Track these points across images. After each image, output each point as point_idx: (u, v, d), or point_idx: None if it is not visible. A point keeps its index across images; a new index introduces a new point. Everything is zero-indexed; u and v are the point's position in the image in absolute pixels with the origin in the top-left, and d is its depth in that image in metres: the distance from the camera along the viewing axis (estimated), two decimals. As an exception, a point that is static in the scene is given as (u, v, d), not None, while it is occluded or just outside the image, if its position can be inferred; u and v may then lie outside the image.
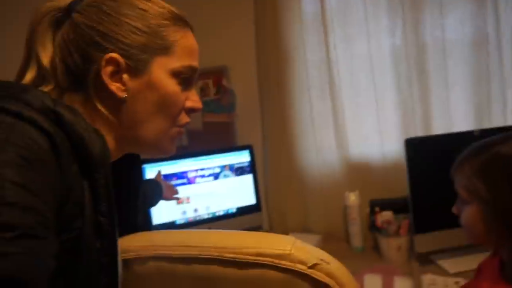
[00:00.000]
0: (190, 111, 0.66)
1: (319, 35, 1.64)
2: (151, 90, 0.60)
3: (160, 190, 1.31)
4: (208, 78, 1.87)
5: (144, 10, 0.60)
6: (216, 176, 1.75)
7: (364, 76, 1.62)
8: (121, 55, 0.58)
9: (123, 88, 0.59)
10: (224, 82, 1.84)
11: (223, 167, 1.76)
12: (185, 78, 0.63)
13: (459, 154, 1.00)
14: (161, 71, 0.60)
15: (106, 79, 0.58)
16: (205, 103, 1.89)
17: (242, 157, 1.79)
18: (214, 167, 1.75)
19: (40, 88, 0.56)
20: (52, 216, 0.46)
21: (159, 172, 1.54)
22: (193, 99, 0.66)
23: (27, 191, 0.43)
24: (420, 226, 1.37)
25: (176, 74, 0.61)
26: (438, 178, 1.28)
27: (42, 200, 0.45)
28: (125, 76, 0.59)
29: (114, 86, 0.58)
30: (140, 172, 0.80)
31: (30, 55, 0.60)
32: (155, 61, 0.60)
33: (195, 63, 0.64)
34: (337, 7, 1.61)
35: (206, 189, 1.73)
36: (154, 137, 0.62)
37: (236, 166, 1.78)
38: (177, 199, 1.52)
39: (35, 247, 0.42)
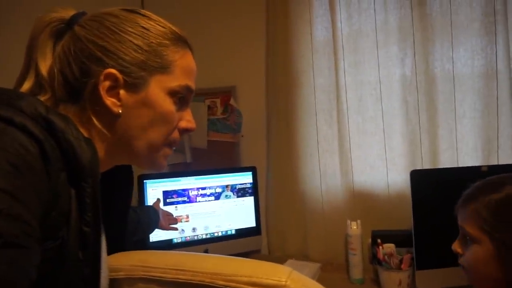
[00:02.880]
0: (183, 131, 0.67)
1: (329, 60, 1.64)
2: (147, 107, 0.60)
3: (157, 218, 1.28)
4: (216, 97, 1.88)
5: (146, 29, 0.61)
6: (217, 196, 1.73)
7: (372, 103, 1.61)
8: (120, 71, 0.59)
9: (119, 103, 0.59)
10: (232, 102, 1.84)
11: (225, 188, 1.74)
12: (181, 97, 0.63)
13: (464, 190, 0.97)
14: (158, 90, 0.61)
15: (103, 93, 0.58)
16: (211, 122, 1.89)
17: (245, 179, 1.77)
18: (216, 187, 1.73)
19: (36, 97, 0.57)
20: (37, 224, 0.46)
21: (158, 199, 1.52)
22: (187, 119, 0.66)
23: (14, 198, 0.43)
24: (422, 262, 1.32)
25: (172, 93, 0.62)
26: (443, 213, 1.25)
27: (28, 208, 0.44)
28: (122, 92, 0.59)
29: (109, 101, 0.59)
30: (131, 189, 0.78)
31: (30, 64, 0.60)
32: (153, 79, 0.60)
33: (192, 83, 0.65)
34: (349, 33, 1.62)
35: (206, 209, 1.71)
36: (145, 152, 0.62)
37: (238, 187, 1.76)
38: (175, 229, 1.49)
39: (18, 257, 0.42)
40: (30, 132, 0.47)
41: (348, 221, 1.58)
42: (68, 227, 0.50)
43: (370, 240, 1.61)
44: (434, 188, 1.30)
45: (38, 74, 0.59)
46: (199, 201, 1.70)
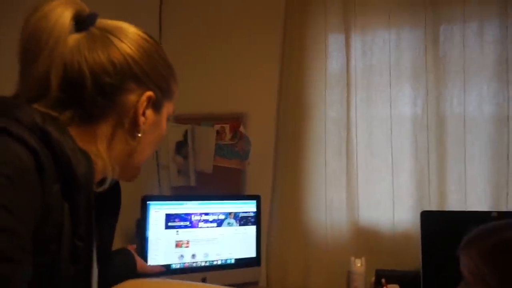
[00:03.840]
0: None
1: (342, 94, 1.66)
2: (157, 127, 0.66)
3: (134, 261, 1.12)
4: (225, 123, 1.88)
5: (165, 60, 0.66)
6: (219, 223, 1.70)
7: (382, 139, 1.62)
8: (154, 93, 0.62)
9: (146, 122, 0.63)
10: (242, 129, 1.85)
11: (228, 215, 1.72)
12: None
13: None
14: (165, 114, 0.67)
15: (140, 112, 0.61)
16: (219, 147, 1.88)
17: (249, 207, 1.75)
18: (219, 213, 1.70)
19: (38, 102, 0.55)
20: (30, 238, 0.45)
21: (134, 245, 1.35)
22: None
23: (7, 212, 0.42)
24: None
25: (167, 118, 0.69)
26: (452, 255, 1.24)
27: (21, 221, 0.44)
28: (148, 111, 0.62)
29: (142, 120, 0.61)
30: (119, 205, 0.75)
31: (28, 60, 0.57)
32: (165, 105, 0.66)
33: None
34: (362, 69, 1.65)
35: (207, 235, 1.67)
36: (138, 165, 0.67)
37: (241, 215, 1.73)
38: (161, 269, 1.36)
39: (9, 272, 0.41)
40: (25, 142, 0.46)
41: (352, 258, 1.55)
42: (60, 240, 0.49)
43: (373, 278, 1.57)
44: (444, 230, 1.29)
45: (35, 72, 0.55)
46: (201, 227, 1.67)
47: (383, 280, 1.48)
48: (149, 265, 1.27)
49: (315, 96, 1.71)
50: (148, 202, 1.60)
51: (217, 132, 1.89)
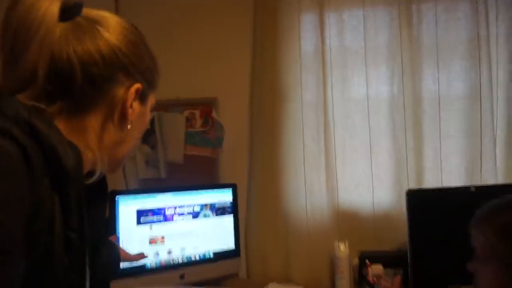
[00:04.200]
0: None
1: (317, 75, 1.62)
2: (142, 119, 0.67)
3: (118, 251, 1.12)
4: (195, 109, 1.76)
5: (150, 51, 0.66)
6: (195, 215, 1.60)
7: (360, 120, 1.60)
8: (142, 85, 0.63)
9: (132, 114, 0.63)
10: (214, 115, 1.74)
11: (203, 206, 1.62)
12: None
13: (477, 209, 0.97)
14: (149, 105, 0.68)
15: (128, 104, 0.61)
16: (189, 135, 1.77)
17: (225, 196, 1.66)
18: (194, 205, 1.60)
19: (23, 93, 0.54)
20: (21, 230, 0.45)
21: (114, 234, 1.36)
22: None
23: None
24: (418, 283, 1.29)
25: (151, 108, 0.70)
26: (439, 232, 1.25)
27: (11, 214, 0.44)
28: (135, 103, 0.63)
29: (131, 112, 0.62)
30: (106, 197, 0.76)
31: (13, 48, 0.56)
32: (149, 96, 0.67)
33: None
34: (337, 49, 1.61)
35: (183, 229, 1.57)
36: (124, 155, 0.67)
37: (217, 205, 1.64)
38: (143, 256, 1.30)
39: (1, 263, 0.42)
40: (13, 136, 0.46)
41: (336, 242, 1.53)
42: (53, 233, 0.49)
43: (357, 260, 1.56)
44: (429, 207, 1.29)
45: (24, 62, 0.54)
46: (176, 220, 1.56)
47: (367, 262, 1.48)
48: (132, 254, 1.22)
49: (290, 79, 1.65)
50: (116, 197, 1.46)
51: (187, 118, 1.77)
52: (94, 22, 0.58)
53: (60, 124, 0.55)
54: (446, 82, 1.52)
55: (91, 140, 0.59)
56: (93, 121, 0.59)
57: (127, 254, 1.21)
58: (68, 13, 0.56)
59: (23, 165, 0.46)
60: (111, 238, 1.26)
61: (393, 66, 1.56)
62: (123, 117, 0.61)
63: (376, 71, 1.58)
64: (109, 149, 0.62)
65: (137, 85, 0.61)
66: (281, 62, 1.66)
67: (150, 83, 0.65)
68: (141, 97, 0.63)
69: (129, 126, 0.62)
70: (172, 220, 1.55)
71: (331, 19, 1.63)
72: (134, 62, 0.61)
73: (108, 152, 0.62)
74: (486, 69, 1.46)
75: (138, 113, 0.64)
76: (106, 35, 0.58)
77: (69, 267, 0.51)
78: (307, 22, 1.65)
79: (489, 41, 1.47)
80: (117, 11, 1.77)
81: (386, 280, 1.44)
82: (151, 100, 0.68)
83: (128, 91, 0.61)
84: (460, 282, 1.28)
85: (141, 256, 1.28)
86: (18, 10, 0.54)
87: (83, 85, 0.56)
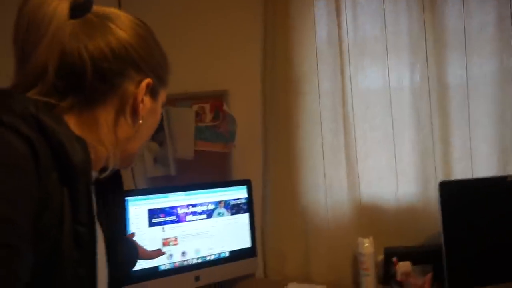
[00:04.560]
0: None
1: (334, 64, 1.52)
2: (153, 115, 0.66)
3: (136, 249, 1.09)
4: (205, 103, 1.67)
5: (160, 48, 0.66)
6: (209, 214, 1.51)
7: (381, 110, 1.50)
8: (152, 81, 0.63)
9: (144, 109, 0.63)
10: (225, 108, 1.65)
11: (217, 204, 1.53)
12: None
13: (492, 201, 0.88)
14: (160, 101, 0.67)
15: (139, 100, 0.61)
16: (199, 130, 1.68)
17: (239, 193, 1.58)
18: (208, 203, 1.52)
19: (33, 90, 0.55)
20: (29, 225, 0.45)
21: (132, 233, 1.29)
22: None
23: (3, 200, 0.43)
24: (456, 281, 1.21)
25: (162, 106, 0.69)
26: (474, 226, 1.17)
27: (18, 209, 0.44)
28: (146, 98, 0.62)
29: (141, 107, 0.61)
30: (123, 189, 0.76)
31: (25, 46, 0.57)
32: (161, 92, 0.67)
33: None
34: (355, 35, 1.51)
35: (197, 229, 1.48)
36: (135, 151, 0.66)
37: (232, 203, 1.56)
38: (162, 253, 1.26)
39: (7, 258, 0.42)
40: (20, 132, 0.47)
41: (360, 239, 1.44)
42: (61, 227, 0.49)
43: (382, 257, 1.48)
44: (463, 200, 1.20)
45: (35, 58, 0.54)
46: (189, 220, 1.48)
47: (394, 259, 1.39)
48: (150, 251, 1.18)
49: (305, 68, 1.56)
50: (126, 198, 1.38)
51: (196, 113, 1.68)
52: (105, 18, 0.59)
53: (72, 119, 0.56)
54: (474, 67, 1.42)
55: (103, 135, 0.59)
56: (105, 116, 0.59)
57: (145, 251, 1.16)
58: (78, 10, 0.57)
59: (30, 160, 0.46)
60: (129, 235, 1.23)
61: (416, 51, 1.46)
62: (135, 112, 0.61)
63: (397, 57, 1.49)
64: (121, 144, 0.62)
65: (148, 80, 0.61)
66: (295, 51, 1.56)
67: (160, 79, 0.65)
68: (152, 92, 0.64)
69: (140, 121, 0.62)
70: (185, 220, 1.47)
71: (347, 2, 1.53)
72: (145, 57, 0.61)
73: (120, 147, 0.62)
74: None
75: (150, 109, 0.64)
76: (117, 30, 0.59)
77: (78, 261, 0.51)
78: (322, 7, 1.55)
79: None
80: (119, 3, 1.67)
81: (415, 277, 1.36)
82: (162, 97, 0.68)
83: (139, 86, 0.61)
84: (499, 279, 1.20)
85: (159, 252, 1.23)
86: (29, 6, 0.55)
87: (93, 80, 0.56)
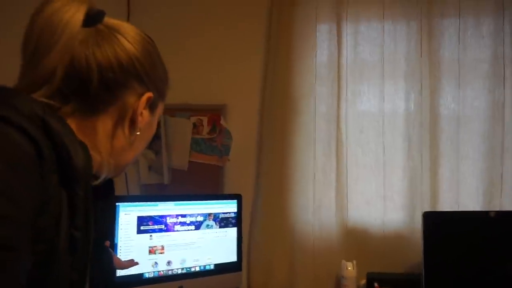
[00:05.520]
0: None
1: (332, 87, 1.56)
2: (150, 128, 0.67)
3: (110, 257, 1.08)
4: (203, 115, 1.71)
5: (162, 63, 0.67)
6: (198, 226, 1.53)
7: (374, 136, 1.53)
8: (153, 94, 0.63)
9: (142, 122, 0.63)
10: (222, 122, 1.68)
11: (207, 216, 1.55)
12: None
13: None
14: (157, 115, 0.68)
15: (139, 112, 0.62)
16: (195, 142, 1.71)
17: (229, 207, 1.60)
18: (197, 215, 1.54)
19: (38, 92, 0.56)
20: (29, 226, 0.45)
21: (107, 241, 1.29)
22: None
23: (6, 198, 0.43)
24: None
25: (159, 118, 0.71)
26: (455, 257, 1.19)
27: (20, 209, 0.44)
28: (145, 111, 0.63)
29: (141, 120, 0.62)
30: (113, 199, 0.79)
31: (35, 49, 0.58)
32: (159, 105, 0.67)
33: None
34: (354, 61, 1.55)
35: (184, 239, 1.50)
36: (127, 162, 0.67)
37: (221, 216, 1.58)
38: (135, 263, 1.24)
39: (7, 260, 0.42)
40: (26, 132, 0.47)
41: (343, 262, 1.46)
42: (58, 230, 0.49)
43: (363, 282, 1.49)
44: (446, 231, 1.23)
45: (46, 63, 0.56)
46: (177, 230, 1.50)
47: (376, 285, 1.41)
48: (124, 260, 1.18)
49: (303, 89, 1.59)
50: (117, 204, 1.40)
51: (194, 124, 1.71)
52: (114, 30, 0.60)
53: (72, 124, 0.56)
54: (467, 101, 1.46)
55: (99, 143, 0.60)
56: (104, 125, 0.60)
57: (118, 260, 1.16)
58: (91, 20, 0.59)
59: (35, 161, 0.47)
60: (105, 243, 1.19)
61: (412, 81, 1.49)
62: (133, 124, 0.62)
63: (393, 85, 1.52)
64: (116, 154, 0.63)
65: (149, 94, 0.62)
66: (294, 71, 1.60)
67: (161, 92, 0.66)
68: (151, 106, 0.64)
69: (138, 133, 0.63)
70: (173, 230, 1.49)
71: (349, 29, 1.57)
72: (148, 71, 0.62)
73: (114, 157, 0.63)
74: (509, 88, 1.40)
75: (147, 122, 0.65)
76: (125, 43, 0.60)
77: (72, 266, 0.51)
78: (324, 32, 1.59)
79: (514, 61, 1.41)
80: (128, 14, 1.72)
81: (395, 305, 1.37)
82: (160, 110, 0.68)
83: (139, 99, 0.62)
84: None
85: (132, 263, 1.21)
86: (46, 12, 0.57)
87: (97, 88, 0.58)
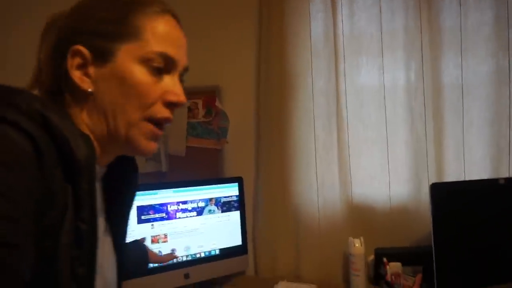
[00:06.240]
0: (169, 104, 0.61)
1: (329, 61, 1.50)
2: (116, 79, 0.57)
3: (146, 253, 1.08)
4: (197, 98, 1.65)
5: (117, 0, 0.59)
6: (200, 212, 1.50)
7: (375, 109, 1.48)
8: (87, 46, 0.57)
9: (89, 80, 0.57)
10: (218, 104, 1.63)
11: (208, 201, 1.52)
12: (158, 67, 0.59)
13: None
14: (128, 59, 0.57)
15: (71, 71, 0.57)
16: (191, 126, 1.66)
17: (231, 191, 1.56)
18: (198, 201, 1.50)
19: (35, 91, 0.58)
20: (31, 223, 0.45)
21: (143, 238, 1.31)
22: (173, 91, 0.60)
23: (5, 199, 0.43)
24: (444, 282, 1.20)
25: (144, 62, 0.58)
26: (465, 228, 1.16)
27: (19, 207, 0.44)
28: (91, 68, 0.57)
29: (78, 79, 0.57)
30: (135, 186, 0.73)
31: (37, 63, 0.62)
32: (121, 49, 0.57)
33: (170, 50, 0.59)
34: (351, 33, 1.49)
35: (187, 226, 1.47)
36: (124, 131, 0.59)
37: (223, 200, 1.55)
38: (173, 257, 1.31)
39: (6, 256, 0.42)
40: (23, 129, 0.46)
41: (351, 239, 1.43)
42: (64, 223, 0.49)
43: (372, 258, 1.47)
44: (454, 202, 1.19)
45: (38, 67, 0.60)
46: (179, 217, 1.46)
47: (384, 260, 1.38)
48: (160, 255, 1.21)
49: (299, 65, 1.53)
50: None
51: (189, 108, 1.66)
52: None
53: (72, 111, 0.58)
54: (470, 67, 1.40)
55: (80, 120, 0.58)
56: (68, 106, 0.58)
57: (156, 255, 1.16)
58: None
59: (33, 158, 0.46)
60: (140, 240, 1.22)
61: (412, 50, 1.43)
62: (78, 86, 0.57)
63: (393, 56, 1.46)
64: (97, 130, 0.58)
65: (72, 48, 0.56)
66: (289, 47, 1.54)
67: (109, 34, 0.57)
68: (99, 55, 0.56)
69: (89, 90, 0.56)
70: (175, 217, 1.45)
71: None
72: (75, 26, 0.58)
73: (98, 134, 0.58)
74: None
75: (102, 77, 0.57)
76: (59, 20, 0.60)
77: (78, 260, 0.50)
78: (318, 3, 1.52)
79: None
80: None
81: (405, 278, 1.35)
82: (132, 54, 0.57)
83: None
84: (488, 281, 1.20)
85: (170, 256, 1.25)
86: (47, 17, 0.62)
87: (54, 76, 0.58)
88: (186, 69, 0.64)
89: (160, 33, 0.58)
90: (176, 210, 1.46)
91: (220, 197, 1.54)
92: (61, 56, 0.57)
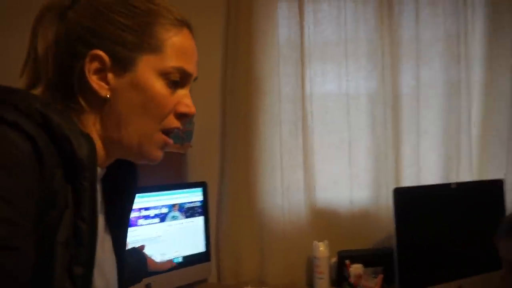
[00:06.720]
0: (181, 116, 0.62)
1: (296, 66, 1.52)
2: (135, 90, 0.57)
3: (145, 261, 1.07)
4: (161, 100, 1.58)
5: (135, 7, 0.58)
6: (162, 218, 1.44)
7: (339, 115, 1.54)
8: (107, 52, 0.56)
9: (107, 87, 0.57)
10: (183, 106, 1.58)
11: (171, 207, 1.47)
12: (174, 80, 0.60)
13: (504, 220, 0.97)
14: (148, 71, 0.57)
15: (89, 76, 0.56)
16: (153, 129, 1.59)
17: (194, 196, 1.52)
18: (161, 207, 1.44)
19: (34, 89, 0.56)
20: (31, 225, 0.45)
21: (142, 245, 1.21)
22: (185, 103, 0.62)
23: (4, 202, 0.42)
24: (406, 282, 1.27)
25: (164, 75, 0.58)
26: (424, 230, 1.25)
27: (18, 209, 0.43)
28: (109, 74, 0.56)
29: (96, 84, 0.56)
30: (135, 190, 0.75)
31: (30, 54, 0.58)
32: (142, 60, 0.57)
33: (187, 66, 0.60)
34: (316, 40, 1.53)
35: (149, 234, 1.41)
36: (137, 140, 0.59)
37: (186, 206, 1.50)
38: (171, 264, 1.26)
39: (5, 259, 0.41)
40: (22, 129, 0.46)
41: (315, 242, 1.46)
42: (61, 221, 0.48)
43: (335, 260, 1.51)
44: (417, 205, 1.27)
45: (36, 60, 0.57)
46: (141, 225, 1.40)
47: (347, 262, 1.43)
48: (159, 262, 1.16)
49: (266, 69, 1.54)
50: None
51: (151, 111, 1.59)
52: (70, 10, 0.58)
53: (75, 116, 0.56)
54: (425, 77, 1.51)
55: (87, 125, 0.57)
56: (81, 103, 0.56)
57: (154, 262, 1.14)
58: (61, 20, 0.58)
59: (33, 159, 0.45)
60: (140, 247, 1.18)
61: (374, 60, 1.51)
62: (94, 93, 0.55)
63: (356, 64, 1.53)
64: (108, 138, 0.58)
65: (92, 52, 0.55)
66: (257, 51, 1.54)
67: (131, 43, 0.56)
68: (118, 64, 0.56)
69: (107, 96, 0.56)
70: (137, 224, 1.38)
71: (310, 7, 1.53)
72: (94, 28, 0.56)
73: (108, 141, 0.58)
74: (464, 66, 1.47)
75: (121, 85, 0.56)
76: (72, 15, 0.57)
77: (75, 259, 0.49)
78: (285, 9, 1.54)
79: (467, 39, 1.48)
80: None
81: (367, 279, 1.40)
82: (153, 66, 0.57)
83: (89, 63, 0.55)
84: (445, 278, 1.29)
85: (168, 264, 1.21)
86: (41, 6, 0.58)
87: (59, 73, 0.56)
88: (195, 79, 0.66)
89: (179, 47, 0.59)
90: (138, 217, 1.39)
91: (184, 203, 1.50)
92: (72, 54, 0.55)
